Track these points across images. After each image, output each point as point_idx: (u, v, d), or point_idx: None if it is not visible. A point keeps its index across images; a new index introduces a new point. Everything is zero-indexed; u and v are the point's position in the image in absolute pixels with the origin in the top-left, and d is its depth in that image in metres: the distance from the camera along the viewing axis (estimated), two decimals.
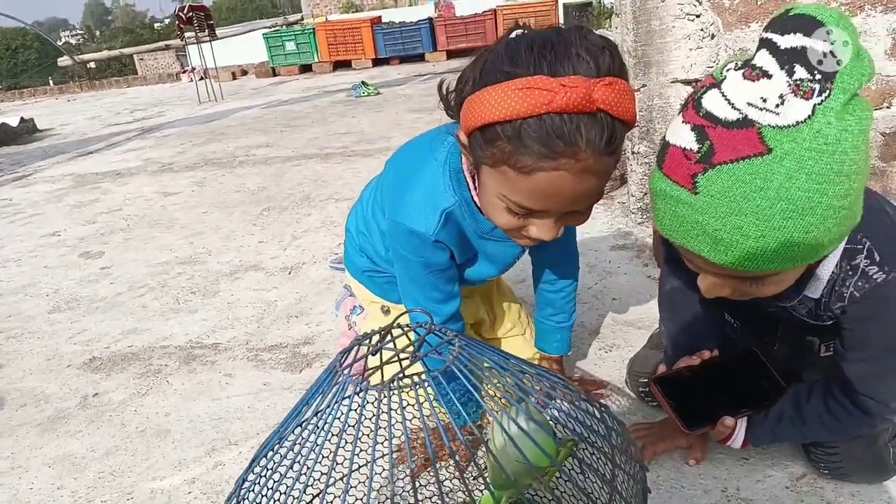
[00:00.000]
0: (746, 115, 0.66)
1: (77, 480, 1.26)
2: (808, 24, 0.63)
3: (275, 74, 9.08)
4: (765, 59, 0.65)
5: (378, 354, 0.70)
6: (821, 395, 0.95)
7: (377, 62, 8.83)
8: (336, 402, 0.67)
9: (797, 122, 0.64)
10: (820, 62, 0.63)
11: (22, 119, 6.21)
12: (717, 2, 1.89)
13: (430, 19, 8.89)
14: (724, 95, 0.68)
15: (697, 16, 1.92)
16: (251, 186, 3.32)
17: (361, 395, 0.64)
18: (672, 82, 1.99)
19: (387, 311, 1.32)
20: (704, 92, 0.70)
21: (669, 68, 1.98)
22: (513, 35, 0.83)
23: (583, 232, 2.13)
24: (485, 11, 8.82)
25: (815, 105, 0.64)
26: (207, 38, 6.75)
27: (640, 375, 1.21)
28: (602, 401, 1.27)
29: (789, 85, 0.64)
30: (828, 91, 0.64)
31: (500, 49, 0.81)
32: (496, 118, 0.78)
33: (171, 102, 7.38)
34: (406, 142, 1.14)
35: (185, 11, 6.50)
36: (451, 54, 8.61)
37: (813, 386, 0.97)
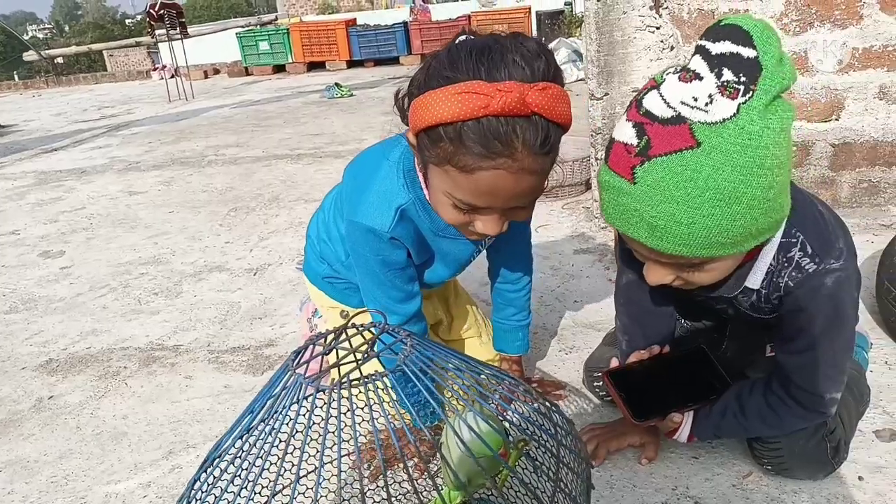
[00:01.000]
0: (679, 113, 0.72)
1: (28, 485, 1.23)
2: (736, 33, 0.70)
3: (248, 74, 9.00)
4: (697, 63, 0.72)
5: (332, 353, 0.71)
6: (761, 390, 0.98)
7: (351, 64, 8.81)
8: (288, 401, 0.68)
9: (723, 119, 0.70)
10: (744, 66, 0.69)
11: None
12: (677, 15, 1.94)
13: (405, 23, 8.90)
14: (661, 96, 0.74)
15: (657, 28, 1.96)
16: (219, 186, 3.29)
17: (311, 396, 0.65)
18: (633, 91, 2.03)
19: (345, 316, 1.33)
20: (646, 93, 0.76)
21: (631, 78, 2.02)
22: (456, 41, 0.87)
23: (547, 235, 2.17)
24: (459, 17, 8.87)
25: (739, 104, 0.70)
26: (179, 36, 6.66)
27: (594, 372, 1.24)
28: (560, 401, 1.30)
29: (717, 86, 0.70)
30: (751, 92, 0.70)
31: (443, 55, 0.85)
32: (438, 120, 0.82)
33: (140, 100, 7.26)
34: (361, 151, 1.17)
35: (156, 8, 6.40)
36: (426, 58, 8.63)
37: (755, 382, 1.01)
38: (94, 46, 10.02)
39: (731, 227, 0.73)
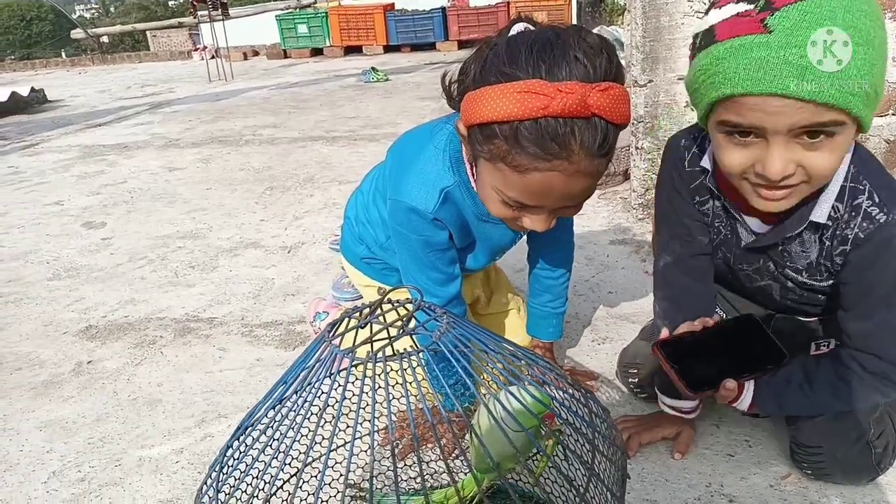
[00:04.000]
0: None
1: (67, 445, 1.27)
2: None
3: (286, 56, 9.05)
4: None
5: (367, 328, 0.71)
6: (830, 361, 0.94)
7: (388, 49, 8.79)
8: (322, 374, 0.68)
9: (836, 36, 0.71)
10: None
11: (32, 89, 6.20)
12: None
13: (443, 9, 8.83)
14: None
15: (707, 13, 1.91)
16: (256, 165, 3.32)
17: (346, 370, 0.64)
18: (678, 79, 1.98)
19: (383, 294, 1.33)
20: None
21: (677, 65, 1.97)
22: (513, 31, 0.85)
23: (582, 225, 2.14)
24: (498, 3, 8.76)
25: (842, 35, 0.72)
26: (220, 17, 6.73)
27: (629, 367, 1.22)
28: (592, 392, 1.28)
29: None
30: None
31: (501, 47, 0.83)
32: (494, 118, 0.80)
33: (181, 80, 7.37)
34: (406, 132, 1.16)
35: None
36: (463, 44, 8.55)
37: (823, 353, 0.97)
38: (138, 26, 10.18)
39: (870, 71, 0.73)
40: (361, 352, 0.68)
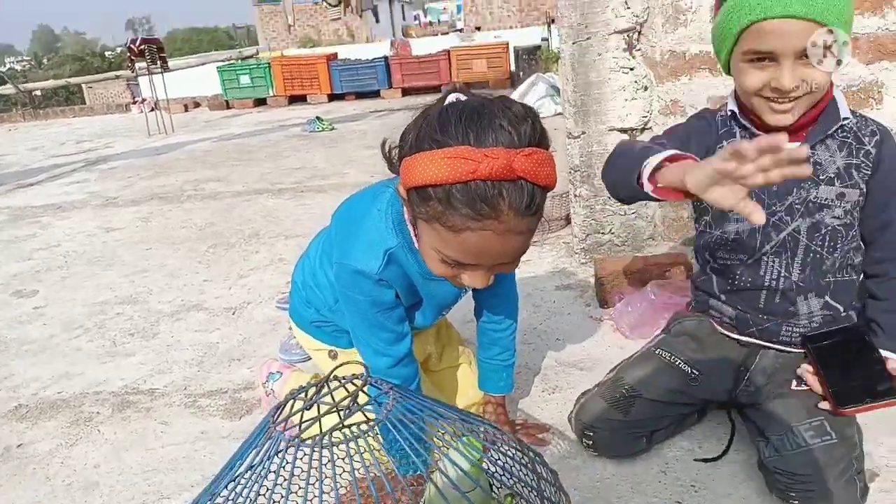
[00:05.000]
0: None
1: None
2: None
3: (228, 107, 9.00)
4: None
5: (313, 408, 0.70)
6: None
7: (333, 97, 8.87)
8: (268, 459, 0.66)
9: None
10: None
11: None
12: (649, 56, 1.99)
13: (386, 58, 9.01)
14: None
15: (631, 69, 2.01)
16: (198, 222, 3.26)
17: (292, 450, 0.63)
18: (609, 130, 2.07)
19: (334, 356, 1.32)
20: None
21: (607, 117, 2.06)
22: (448, 101, 0.90)
23: (528, 271, 2.17)
24: (439, 52, 8.99)
25: None
26: (160, 70, 6.67)
27: (587, 429, 1.22)
28: (545, 445, 1.29)
29: None
30: None
31: (434, 117, 0.88)
32: (428, 181, 0.85)
33: (119, 134, 7.22)
34: (349, 195, 1.19)
35: (136, 44, 6.42)
36: (406, 91, 8.72)
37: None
38: (73, 80, 9.97)
39: (848, 2, 0.97)
40: (309, 432, 0.67)
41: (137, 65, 6.77)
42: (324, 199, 3.49)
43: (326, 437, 0.63)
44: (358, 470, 0.66)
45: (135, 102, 9.53)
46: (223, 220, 3.25)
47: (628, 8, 1.95)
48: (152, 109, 7.13)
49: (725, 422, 1.26)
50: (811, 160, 1.07)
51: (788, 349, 1.16)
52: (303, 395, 0.72)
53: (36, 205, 4.01)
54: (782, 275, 1.14)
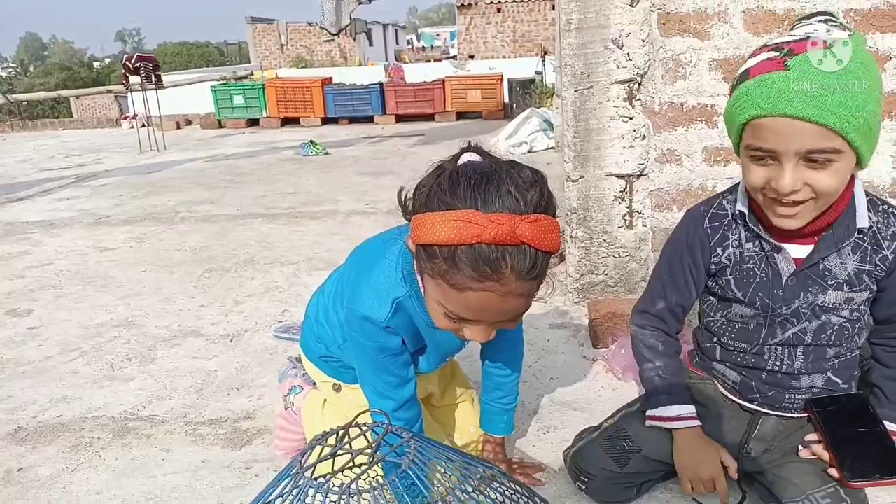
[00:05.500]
0: (807, 35, 0.96)
1: None
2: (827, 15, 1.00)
3: (221, 126, 9.04)
4: (811, 23, 0.99)
5: (335, 454, 0.74)
6: None
7: (326, 121, 8.95)
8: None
9: (841, 39, 0.94)
10: (837, 23, 0.97)
11: None
12: (648, 107, 2.08)
13: (381, 84, 9.12)
14: (787, 35, 1.00)
15: (630, 118, 2.09)
16: (193, 245, 3.28)
17: (319, 497, 0.67)
18: (607, 175, 2.15)
19: (338, 389, 1.36)
20: (764, 44, 1.02)
21: (605, 163, 2.13)
22: (462, 160, 0.96)
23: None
24: (434, 81, 9.13)
25: (849, 35, 0.95)
26: (153, 87, 6.70)
27: (581, 474, 1.26)
28: (541, 485, 1.33)
29: (828, 26, 0.97)
30: (852, 32, 0.96)
31: (445, 179, 0.93)
32: (435, 241, 0.90)
33: (109, 149, 7.21)
34: (365, 240, 1.24)
35: (132, 61, 6.45)
36: (400, 118, 8.83)
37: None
38: (64, 93, 9.92)
39: (863, 106, 0.92)
40: (335, 479, 0.71)
41: (132, 82, 6.78)
42: (318, 227, 3.52)
43: (353, 485, 0.67)
44: None
45: (125, 118, 9.52)
46: (218, 244, 3.27)
47: (630, 60, 2.04)
48: (143, 125, 7.15)
49: None
50: (821, 267, 1.10)
51: (790, 415, 1.19)
52: (325, 441, 0.76)
53: (26, 220, 4.00)
54: (785, 362, 1.16)
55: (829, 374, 1.16)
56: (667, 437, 1.22)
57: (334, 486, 0.68)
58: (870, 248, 1.09)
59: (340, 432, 0.75)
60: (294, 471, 0.72)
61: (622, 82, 2.08)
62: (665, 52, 2.04)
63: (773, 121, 0.95)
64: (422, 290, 1.09)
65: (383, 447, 0.74)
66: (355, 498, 0.67)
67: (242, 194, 4.47)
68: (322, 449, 0.74)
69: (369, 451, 0.72)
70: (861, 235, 1.08)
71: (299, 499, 0.69)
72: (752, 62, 1.01)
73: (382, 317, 1.09)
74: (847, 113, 0.92)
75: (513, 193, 0.90)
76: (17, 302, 2.58)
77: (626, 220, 2.17)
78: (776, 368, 1.17)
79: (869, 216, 1.08)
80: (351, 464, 0.73)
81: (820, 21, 0.98)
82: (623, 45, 2.06)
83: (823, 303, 1.11)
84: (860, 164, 0.99)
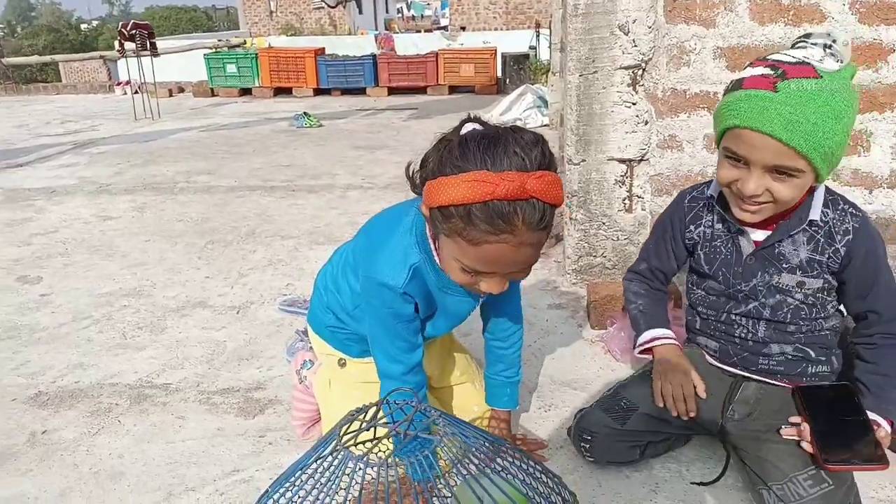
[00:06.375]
0: (804, 60, 1.08)
1: None
2: (828, 37, 1.09)
3: (213, 95, 8.97)
4: (808, 45, 1.11)
5: (372, 429, 0.81)
6: (890, 346, 1.22)
7: (319, 91, 8.90)
8: (338, 474, 0.76)
9: (833, 70, 1.07)
10: (837, 51, 1.07)
11: None
12: (651, 92, 2.13)
13: (374, 56, 9.06)
14: (785, 53, 1.11)
15: (634, 104, 2.14)
16: (194, 216, 3.31)
17: (362, 468, 0.74)
18: (608, 160, 2.20)
19: (343, 364, 1.42)
20: (764, 57, 1.12)
21: (607, 147, 2.19)
22: (464, 129, 1.05)
23: (522, 290, 2.29)
24: (427, 53, 9.08)
25: (840, 66, 1.07)
26: (148, 54, 6.63)
27: (584, 433, 1.35)
28: (543, 461, 1.40)
29: (824, 54, 1.08)
30: (845, 64, 1.07)
31: (455, 146, 1.01)
32: (451, 202, 0.98)
33: (104, 116, 7.16)
34: (376, 213, 1.31)
35: (127, 28, 6.37)
36: (392, 90, 8.79)
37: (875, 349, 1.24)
38: (58, 57, 9.79)
39: (832, 139, 1.06)
40: (366, 451, 0.78)
41: (127, 48, 6.70)
42: (316, 200, 3.56)
43: (390, 458, 0.74)
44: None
45: (119, 84, 9.41)
46: (218, 216, 3.31)
47: (636, 46, 2.08)
48: (136, 92, 7.09)
49: (712, 448, 1.39)
50: (776, 251, 1.24)
51: (769, 381, 1.30)
52: (361, 416, 0.82)
53: (28, 187, 4.01)
54: (750, 331, 1.31)
55: (797, 344, 1.28)
56: None
57: (372, 459, 0.74)
58: (822, 239, 1.22)
59: (376, 406, 0.81)
60: (333, 443, 0.79)
61: (626, 68, 2.12)
62: (670, 39, 2.08)
63: (751, 134, 1.09)
64: (434, 253, 1.17)
65: (413, 423, 0.80)
66: (392, 469, 0.73)
67: (239, 165, 4.48)
68: (359, 424, 0.80)
69: (403, 426, 0.78)
70: (815, 228, 1.22)
71: (340, 469, 0.75)
72: (748, 72, 1.12)
73: (400, 283, 1.15)
74: (816, 141, 1.06)
75: (519, 154, 0.97)
76: (27, 269, 2.62)
77: (625, 203, 2.23)
78: (744, 336, 1.32)
79: (825, 211, 1.21)
80: (380, 438, 0.79)
81: (819, 46, 1.09)
82: (629, 31, 2.10)
83: (778, 283, 1.25)
84: (818, 179, 1.13)
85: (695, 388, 1.31)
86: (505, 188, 0.94)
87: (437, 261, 1.17)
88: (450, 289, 1.22)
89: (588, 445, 1.34)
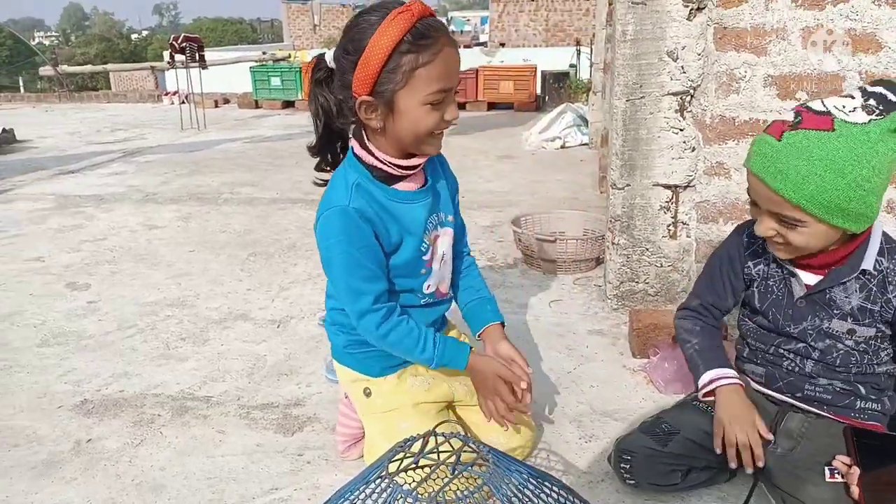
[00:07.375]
0: (829, 110, 1.07)
1: None
2: (891, 86, 1.08)
3: (257, 106, 9.16)
4: (854, 91, 1.09)
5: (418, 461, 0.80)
6: None
7: None
8: None
9: (857, 122, 1.05)
10: (885, 103, 1.05)
11: (3, 129, 6.09)
12: (699, 119, 2.09)
13: None
14: (821, 101, 1.10)
15: (681, 129, 2.11)
16: (237, 227, 3.37)
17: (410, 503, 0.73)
18: (654, 185, 2.17)
19: (368, 394, 1.41)
20: (808, 102, 1.12)
21: (652, 173, 2.16)
22: (351, 20, 1.21)
23: (561, 312, 2.27)
24: (467, 70, 9.12)
25: (871, 119, 1.05)
26: (196, 66, 6.82)
27: (624, 454, 1.32)
28: (583, 495, 1.37)
29: (862, 105, 1.07)
30: (882, 117, 1.05)
31: (352, 25, 1.18)
32: (389, 48, 1.12)
33: (152, 125, 7.37)
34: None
35: (178, 41, 6.58)
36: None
37: None
38: (109, 67, 10.17)
39: (830, 193, 1.04)
40: (415, 485, 0.77)
41: (177, 60, 6.90)
42: None
43: (440, 496, 0.73)
44: None
45: (167, 94, 9.69)
46: (261, 227, 3.36)
47: (684, 72, 2.06)
48: (182, 102, 7.28)
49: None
50: (826, 296, 1.22)
51: (815, 410, 1.26)
52: (408, 448, 0.82)
53: (79, 194, 4.13)
54: (798, 365, 1.29)
55: (846, 380, 1.25)
56: (703, 417, 1.31)
57: (420, 494, 0.74)
58: (875, 289, 1.19)
59: (424, 438, 0.81)
60: (379, 474, 0.78)
61: (674, 94, 2.10)
62: (719, 66, 2.05)
63: (753, 178, 1.14)
64: (369, 173, 1.26)
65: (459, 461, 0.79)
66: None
67: (282, 177, 4.55)
68: (404, 455, 0.80)
69: (451, 461, 0.77)
70: (868, 276, 1.18)
71: (388, 502, 0.75)
72: (780, 116, 1.18)
73: (345, 199, 1.23)
74: (807, 193, 1.06)
75: (378, 8, 1.15)
76: (76, 275, 2.69)
77: (670, 230, 2.20)
78: (792, 368, 1.30)
79: (880, 260, 1.18)
80: (428, 472, 0.78)
81: (858, 96, 1.08)
82: (678, 58, 2.07)
83: (828, 328, 1.23)
84: (849, 229, 1.11)
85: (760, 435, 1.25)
86: (417, 10, 1.12)
87: (401, 132, 1.21)
88: (395, 197, 1.28)
89: (627, 466, 1.31)
